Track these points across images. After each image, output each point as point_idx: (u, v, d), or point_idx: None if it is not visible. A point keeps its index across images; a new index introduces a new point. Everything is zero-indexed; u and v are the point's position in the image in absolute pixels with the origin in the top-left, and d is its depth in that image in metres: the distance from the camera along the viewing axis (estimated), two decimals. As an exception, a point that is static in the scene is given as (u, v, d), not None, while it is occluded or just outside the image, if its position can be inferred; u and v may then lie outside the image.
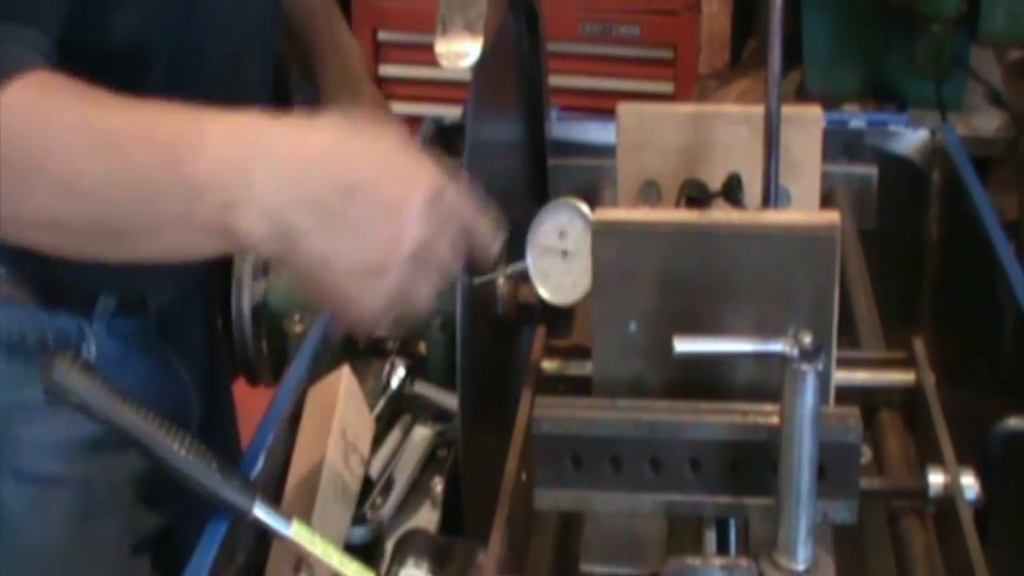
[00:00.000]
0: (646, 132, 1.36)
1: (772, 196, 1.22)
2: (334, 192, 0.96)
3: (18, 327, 1.22)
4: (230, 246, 0.99)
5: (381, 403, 1.30)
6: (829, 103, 1.93)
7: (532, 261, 1.27)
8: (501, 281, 1.31)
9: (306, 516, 1.10)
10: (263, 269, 1.42)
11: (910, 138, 1.71)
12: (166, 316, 1.35)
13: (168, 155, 0.96)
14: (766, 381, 1.03)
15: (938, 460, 1.09)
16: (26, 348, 1.23)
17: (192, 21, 1.20)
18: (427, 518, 1.23)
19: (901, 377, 1.21)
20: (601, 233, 1.08)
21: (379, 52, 3.19)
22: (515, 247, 1.30)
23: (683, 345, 0.99)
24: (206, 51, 1.23)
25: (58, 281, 1.23)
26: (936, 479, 1.08)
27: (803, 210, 1.33)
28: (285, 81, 1.47)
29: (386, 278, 0.98)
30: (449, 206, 1.01)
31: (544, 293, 1.28)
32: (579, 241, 1.27)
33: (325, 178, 0.96)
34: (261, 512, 1.04)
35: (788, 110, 1.24)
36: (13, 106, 0.98)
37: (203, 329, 1.47)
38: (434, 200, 0.99)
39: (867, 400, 1.19)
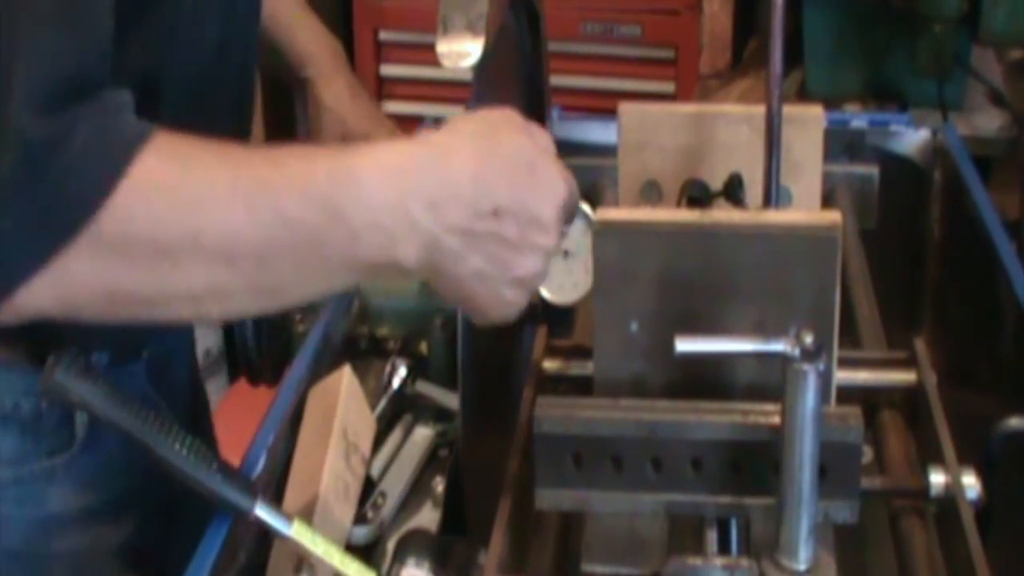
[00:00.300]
0: (647, 132, 1.36)
1: (773, 196, 1.22)
2: (483, 215, 1.00)
3: (11, 395, 1.16)
4: (387, 277, 1.04)
5: (382, 403, 1.30)
6: (830, 103, 1.93)
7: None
8: (502, 281, 1.31)
9: (307, 516, 1.10)
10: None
11: (911, 138, 1.71)
12: (155, 360, 1.32)
13: (328, 208, 0.97)
14: (767, 381, 1.03)
15: (939, 460, 1.09)
16: (20, 418, 1.17)
17: (172, 45, 1.16)
18: (428, 518, 1.23)
19: (902, 377, 1.21)
20: (602, 233, 1.08)
21: (380, 52, 3.19)
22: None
23: (684, 345, 0.99)
24: (181, 75, 1.18)
25: (54, 339, 1.20)
26: (937, 479, 1.08)
27: (804, 210, 1.33)
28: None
29: (531, 284, 1.05)
30: (571, 207, 1.07)
31: (545, 293, 1.28)
32: (580, 241, 1.27)
33: (474, 204, 1.00)
34: (262, 512, 1.05)
35: (789, 110, 1.24)
36: (151, 181, 0.95)
37: (188, 363, 1.45)
38: (564, 206, 1.05)
39: (868, 400, 1.19)
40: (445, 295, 1.05)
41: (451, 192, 1.00)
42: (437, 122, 1.78)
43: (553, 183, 1.04)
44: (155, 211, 0.95)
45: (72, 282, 0.95)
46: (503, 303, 1.04)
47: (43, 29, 0.95)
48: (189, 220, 0.95)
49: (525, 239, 1.02)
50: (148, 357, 1.29)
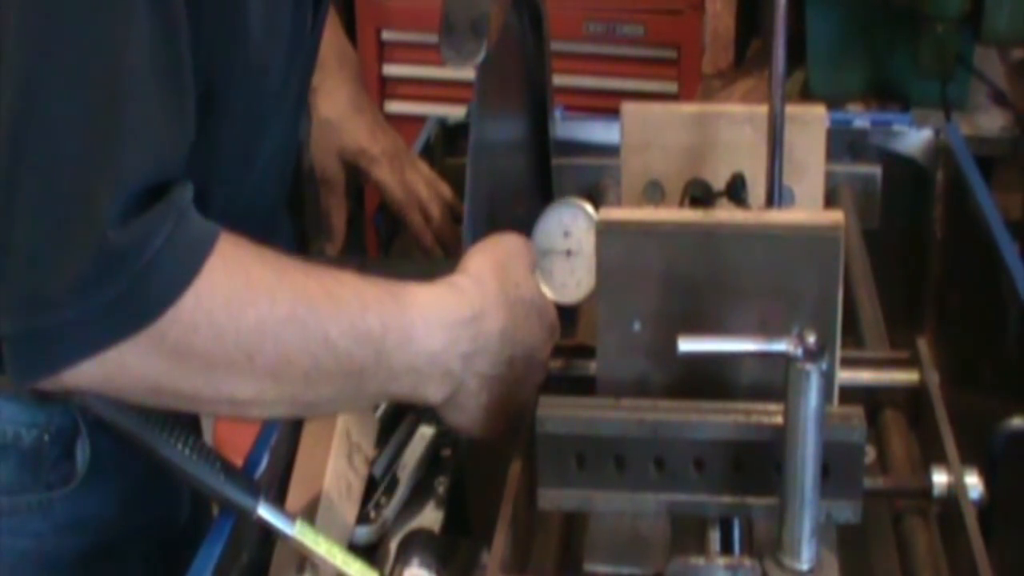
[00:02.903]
0: (650, 132, 1.36)
1: (776, 196, 1.22)
2: (501, 363, 1.13)
3: (13, 425, 1.14)
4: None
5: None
6: (833, 103, 1.93)
7: (536, 260, 1.27)
8: (505, 281, 1.31)
9: (310, 516, 1.10)
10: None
11: (914, 138, 1.71)
12: None
13: (377, 350, 1.06)
14: (770, 380, 1.03)
15: (942, 460, 1.09)
16: (20, 449, 1.14)
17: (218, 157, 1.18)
18: (431, 518, 1.23)
19: (905, 377, 1.21)
20: (605, 232, 1.08)
21: (383, 52, 3.19)
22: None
23: (687, 344, 0.99)
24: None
25: None
26: (940, 479, 1.08)
27: (807, 210, 1.33)
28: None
29: (517, 413, 1.15)
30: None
31: (548, 292, 1.28)
32: (583, 241, 1.27)
33: (498, 355, 1.13)
34: (265, 512, 1.05)
35: (792, 110, 1.24)
36: (216, 296, 0.99)
37: None
38: (552, 335, 1.19)
39: (871, 400, 1.19)
40: (447, 419, 1.16)
41: (482, 346, 1.11)
42: (439, 123, 1.80)
43: (552, 326, 1.19)
44: (217, 327, 1.00)
45: (121, 373, 0.99)
46: (492, 429, 1.16)
47: (148, 128, 0.97)
48: (248, 340, 1.01)
49: (526, 378, 1.16)
50: None
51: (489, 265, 1.15)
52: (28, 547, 1.17)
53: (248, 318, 1.01)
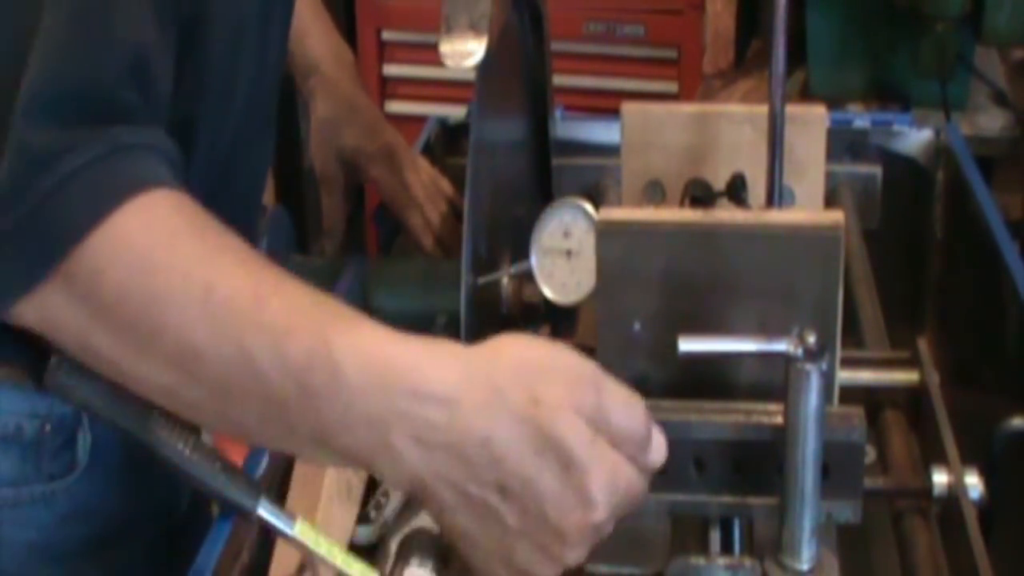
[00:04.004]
0: (650, 132, 1.36)
1: (776, 196, 1.22)
2: (484, 485, 0.87)
3: (15, 417, 1.13)
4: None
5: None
6: (833, 102, 1.94)
7: (536, 261, 1.28)
8: (505, 281, 1.31)
9: (310, 515, 1.10)
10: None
11: (914, 138, 1.71)
12: None
13: (299, 382, 0.88)
14: (770, 381, 1.03)
15: (942, 460, 1.09)
16: (22, 441, 1.14)
17: (203, 97, 1.11)
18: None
19: (905, 377, 1.21)
20: (605, 233, 1.08)
21: (383, 52, 3.19)
22: (519, 247, 1.30)
23: (687, 345, 0.99)
24: (212, 125, 1.14)
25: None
26: (940, 479, 1.08)
27: (807, 210, 1.33)
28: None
29: (561, 552, 0.90)
30: (629, 482, 0.89)
31: (548, 293, 1.28)
32: (583, 241, 1.27)
33: (476, 468, 0.87)
34: (265, 511, 1.04)
35: (792, 110, 1.24)
36: (124, 242, 0.89)
37: None
38: (611, 481, 0.88)
39: (871, 400, 1.19)
40: (457, 549, 0.94)
41: (448, 441, 0.86)
42: (439, 123, 1.80)
43: (588, 500, 0.87)
44: (119, 278, 0.90)
45: (51, 316, 0.92)
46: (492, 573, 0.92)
47: (61, 29, 0.91)
48: (151, 311, 0.90)
49: (536, 536, 0.89)
50: None
51: (518, 357, 0.90)
52: (33, 538, 1.17)
53: (155, 285, 0.89)
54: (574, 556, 0.90)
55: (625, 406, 0.90)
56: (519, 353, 0.90)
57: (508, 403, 0.87)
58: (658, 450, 0.91)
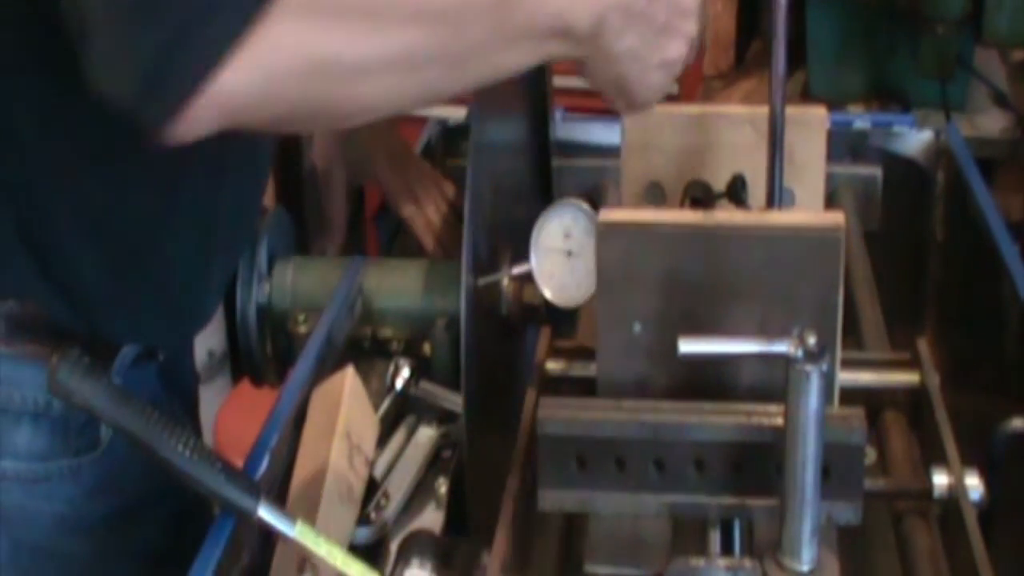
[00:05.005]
0: (650, 133, 1.36)
1: (776, 197, 1.22)
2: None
3: (44, 393, 1.16)
4: (556, 52, 1.07)
5: (385, 403, 1.30)
6: (833, 104, 1.94)
7: (536, 262, 1.28)
8: (505, 282, 1.31)
9: (310, 517, 1.10)
10: (267, 270, 1.41)
11: (914, 139, 1.71)
12: (167, 361, 1.32)
13: None
14: (770, 382, 1.03)
15: (942, 461, 1.09)
16: (51, 416, 1.19)
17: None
18: (431, 519, 1.23)
19: (905, 378, 1.21)
20: (605, 234, 1.08)
21: (383, 53, 3.19)
22: (519, 248, 1.30)
23: (687, 346, 0.99)
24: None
25: (88, 331, 1.20)
26: (940, 480, 1.08)
27: (807, 211, 1.33)
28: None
29: (675, 69, 1.12)
30: None
31: (548, 294, 1.28)
32: (583, 242, 1.27)
33: None
34: (265, 513, 1.05)
35: (792, 111, 1.24)
36: None
37: (190, 365, 1.46)
38: None
39: (871, 401, 1.19)
40: (597, 77, 1.10)
41: None
42: (440, 124, 1.80)
43: None
44: None
45: (274, 55, 0.92)
46: (649, 86, 1.11)
47: None
48: None
49: (672, 24, 1.10)
50: (162, 359, 1.30)
51: None
52: (62, 511, 1.23)
53: None
54: (690, 27, 1.12)
55: None
56: None
57: None
58: None
